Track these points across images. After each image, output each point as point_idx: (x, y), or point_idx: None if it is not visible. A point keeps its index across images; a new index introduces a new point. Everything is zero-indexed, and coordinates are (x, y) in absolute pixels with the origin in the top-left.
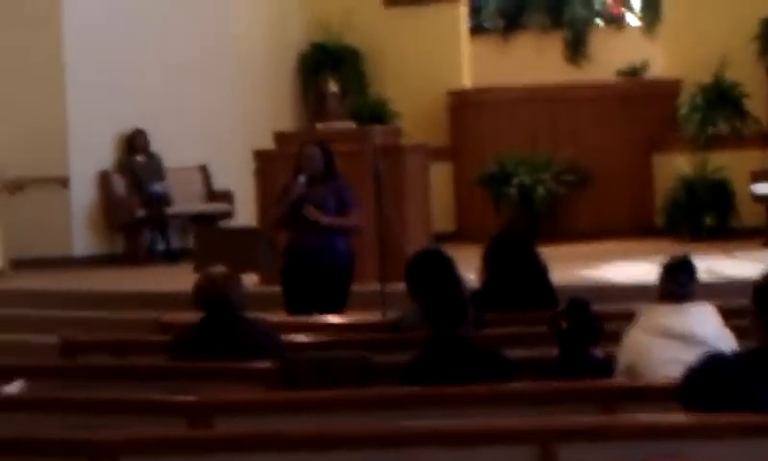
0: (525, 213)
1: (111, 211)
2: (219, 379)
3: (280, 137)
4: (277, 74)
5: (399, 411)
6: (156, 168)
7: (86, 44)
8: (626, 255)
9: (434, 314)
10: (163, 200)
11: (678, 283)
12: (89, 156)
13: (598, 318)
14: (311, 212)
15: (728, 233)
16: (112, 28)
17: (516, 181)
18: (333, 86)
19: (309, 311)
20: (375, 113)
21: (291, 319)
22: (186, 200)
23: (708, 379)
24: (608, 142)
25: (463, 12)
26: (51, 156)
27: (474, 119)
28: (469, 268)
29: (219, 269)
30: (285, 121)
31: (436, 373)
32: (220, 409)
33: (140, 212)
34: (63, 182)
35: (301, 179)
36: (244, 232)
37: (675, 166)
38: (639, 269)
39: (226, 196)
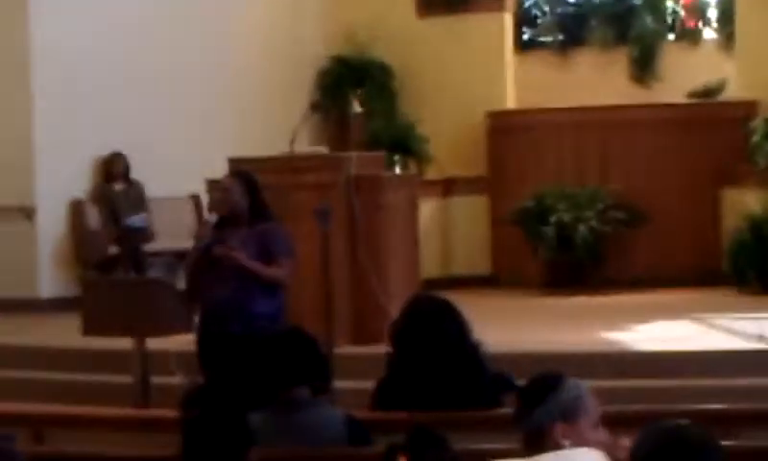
0: (565, 256)
1: (83, 246)
2: None
3: (236, 164)
4: (291, 93)
5: None
6: (135, 198)
7: (56, 57)
8: (671, 311)
9: None
10: (140, 234)
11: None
12: (59, 182)
13: (449, 452)
14: (220, 251)
15: None
16: (88, 39)
17: (554, 218)
18: (357, 106)
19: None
20: (399, 138)
21: None
22: (174, 235)
23: None
24: (667, 174)
25: (508, 21)
26: (14, 182)
27: (516, 146)
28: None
29: None
30: (301, 147)
31: None
32: None
33: (113, 248)
34: (29, 213)
35: (210, 219)
36: (145, 284)
37: (745, 203)
38: (681, 330)
39: None
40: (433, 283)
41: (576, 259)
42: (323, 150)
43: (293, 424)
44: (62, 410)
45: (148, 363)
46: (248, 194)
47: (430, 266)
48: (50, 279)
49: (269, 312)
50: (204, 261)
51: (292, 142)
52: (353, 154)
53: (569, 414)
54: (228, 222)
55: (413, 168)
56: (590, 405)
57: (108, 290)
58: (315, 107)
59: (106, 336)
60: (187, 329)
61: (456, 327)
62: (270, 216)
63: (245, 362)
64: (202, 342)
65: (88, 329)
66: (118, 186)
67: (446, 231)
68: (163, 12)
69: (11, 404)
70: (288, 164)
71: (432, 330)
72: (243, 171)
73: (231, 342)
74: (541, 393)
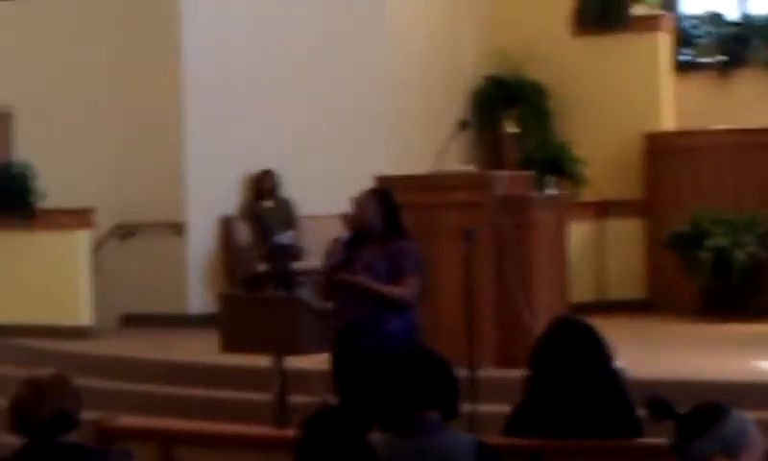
0: (721, 283)
1: (232, 263)
2: None
3: (383, 182)
4: (444, 112)
5: None
6: (284, 215)
7: (208, 74)
8: None
9: None
10: (289, 253)
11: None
12: (209, 198)
13: None
14: (342, 278)
15: None
16: (240, 55)
17: (710, 243)
18: (511, 126)
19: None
20: (553, 159)
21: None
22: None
23: None
24: None
25: (664, 42)
26: (165, 198)
27: (673, 168)
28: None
29: (47, 373)
30: (451, 166)
31: None
32: None
33: (262, 266)
34: (179, 229)
35: (343, 237)
36: (281, 301)
37: None
38: None
39: None
40: (586, 307)
41: (733, 285)
42: (471, 168)
43: (420, 447)
44: (194, 427)
45: (287, 381)
46: (382, 211)
47: (583, 290)
48: (199, 296)
49: (401, 330)
50: (332, 284)
51: (437, 160)
52: (501, 173)
53: (732, 448)
54: (362, 239)
55: (567, 189)
56: (756, 441)
57: (246, 307)
58: (463, 125)
59: (243, 353)
60: (324, 350)
61: (597, 352)
62: (404, 234)
63: (375, 382)
64: (336, 360)
65: (227, 346)
66: (267, 203)
67: (601, 255)
68: (318, 28)
69: (139, 419)
70: (435, 182)
71: (571, 355)
72: (378, 188)
73: (363, 361)
74: (704, 423)
